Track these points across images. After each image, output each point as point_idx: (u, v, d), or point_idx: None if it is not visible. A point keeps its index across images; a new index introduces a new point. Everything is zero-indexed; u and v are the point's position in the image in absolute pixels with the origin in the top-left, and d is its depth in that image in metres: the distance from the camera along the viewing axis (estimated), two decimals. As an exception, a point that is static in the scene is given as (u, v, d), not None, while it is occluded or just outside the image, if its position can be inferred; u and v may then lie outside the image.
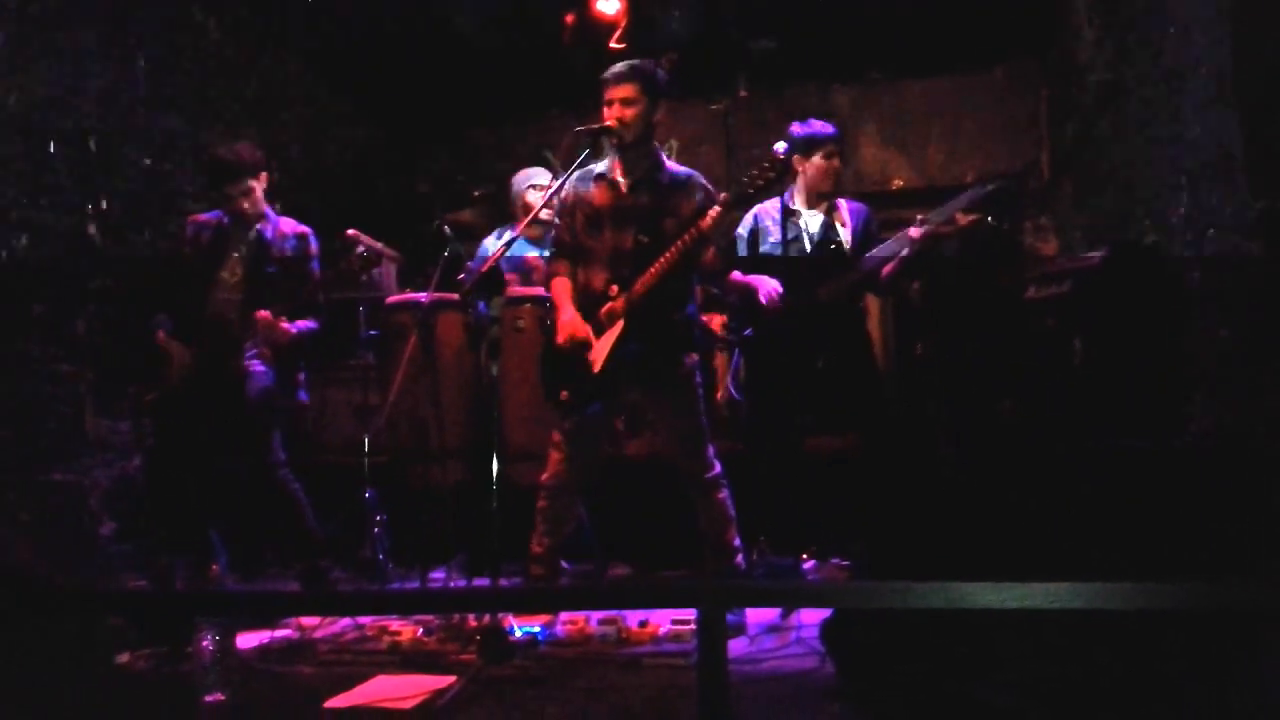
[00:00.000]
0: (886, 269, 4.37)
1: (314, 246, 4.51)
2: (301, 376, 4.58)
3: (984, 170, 6.73)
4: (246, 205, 4.38)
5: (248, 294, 4.33)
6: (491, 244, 5.25)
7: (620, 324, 3.77)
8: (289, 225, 4.51)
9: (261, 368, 4.33)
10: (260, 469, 4.28)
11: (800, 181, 4.52)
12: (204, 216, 4.53)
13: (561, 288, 3.94)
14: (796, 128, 4.49)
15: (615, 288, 3.81)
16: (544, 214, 4.54)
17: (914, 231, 4.28)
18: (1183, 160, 4.36)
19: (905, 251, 4.28)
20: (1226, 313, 3.97)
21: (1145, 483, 2.74)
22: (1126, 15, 5.10)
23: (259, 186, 4.42)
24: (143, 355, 4.43)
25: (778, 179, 3.66)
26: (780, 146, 4.25)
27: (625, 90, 3.81)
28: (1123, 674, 2.42)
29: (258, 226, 4.44)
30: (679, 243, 3.68)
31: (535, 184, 5.28)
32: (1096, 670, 2.44)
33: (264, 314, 4.16)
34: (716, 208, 3.66)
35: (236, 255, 4.42)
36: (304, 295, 4.32)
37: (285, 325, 4.22)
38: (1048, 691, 2.47)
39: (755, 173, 3.64)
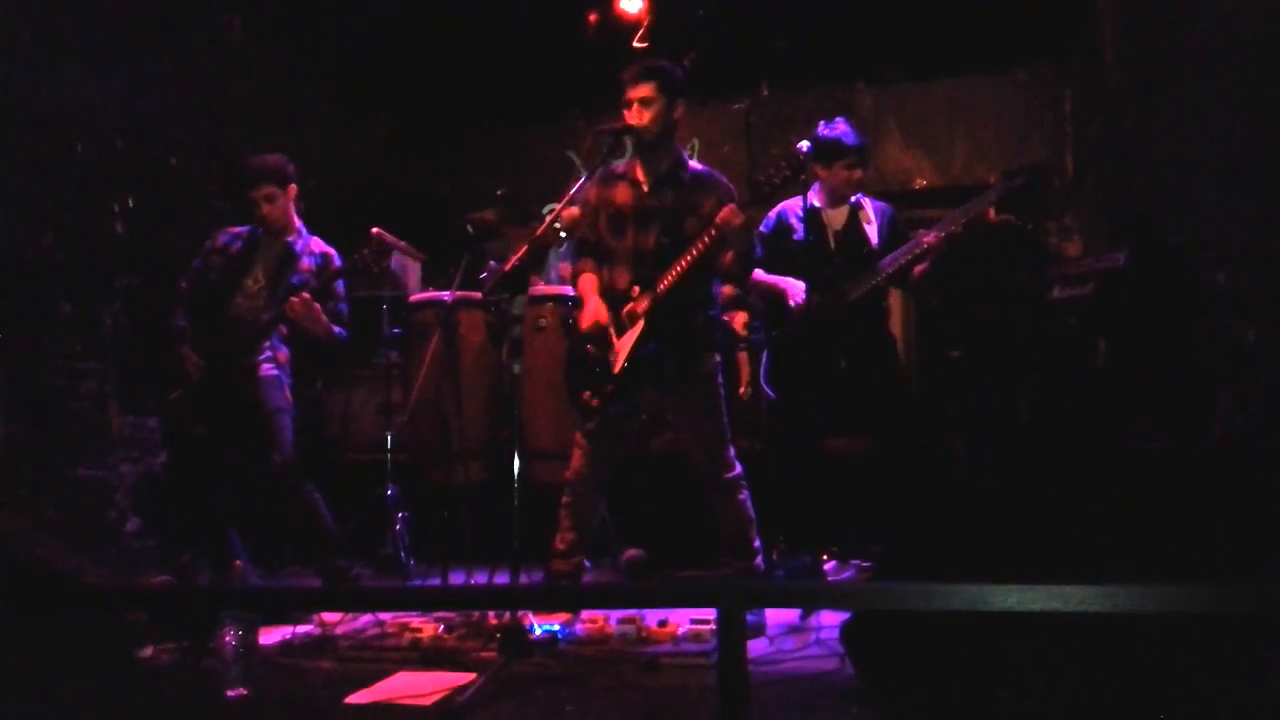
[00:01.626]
0: (918, 269, 4.36)
1: (337, 265, 4.48)
2: (318, 385, 4.61)
3: (1006, 169, 6.71)
4: (268, 210, 4.39)
5: (269, 298, 4.35)
6: None
7: (640, 324, 3.77)
8: (317, 244, 4.53)
9: (273, 370, 4.34)
10: (270, 470, 4.28)
11: (821, 184, 4.51)
12: (237, 229, 4.56)
13: (587, 282, 3.95)
14: (822, 130, 4.45)
15: (637, 288, 3.81)
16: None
17: (929, 238, 4.26)
18: (1208, 159, 4.32)
19: (934, 253, 4.25)
20: (1252, 314, 3.94)
21: (1168, 485, 2.73)
22: (1151, 13, 5.07)
23: (282, 196, 4.42)
24: (164, 355, 4.46)
25: (794, 177, 3.64)
26: (804, 145, 4.23)
27: (643, 90, 3.81)
28: (1145, 677, 2.40)
29: (288, 239, 4.46)
30: (699, 243, 3.67)
31: None
32: (1117, 673, 2.43)
33: (302, 296, 4.19)
34: (732, 205, 3.65)
35: (262, 265, 4.44)
36: (329, 309, 4.32)
37: (321, 314, 4.24)
38: (1068, 694, 2.45)
39: (772, 171, 3.63)
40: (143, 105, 5.35)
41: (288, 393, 4.36)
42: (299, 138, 6.58)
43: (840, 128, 4.46)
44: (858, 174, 4.49)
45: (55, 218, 4.84)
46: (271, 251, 4.46)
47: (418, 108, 7.77)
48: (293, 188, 4.46)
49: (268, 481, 4.30)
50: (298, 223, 4.51)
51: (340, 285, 4.50)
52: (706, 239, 3.65)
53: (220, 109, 5.96)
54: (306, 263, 4.45)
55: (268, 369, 4.34)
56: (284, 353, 4.40)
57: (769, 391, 4.63)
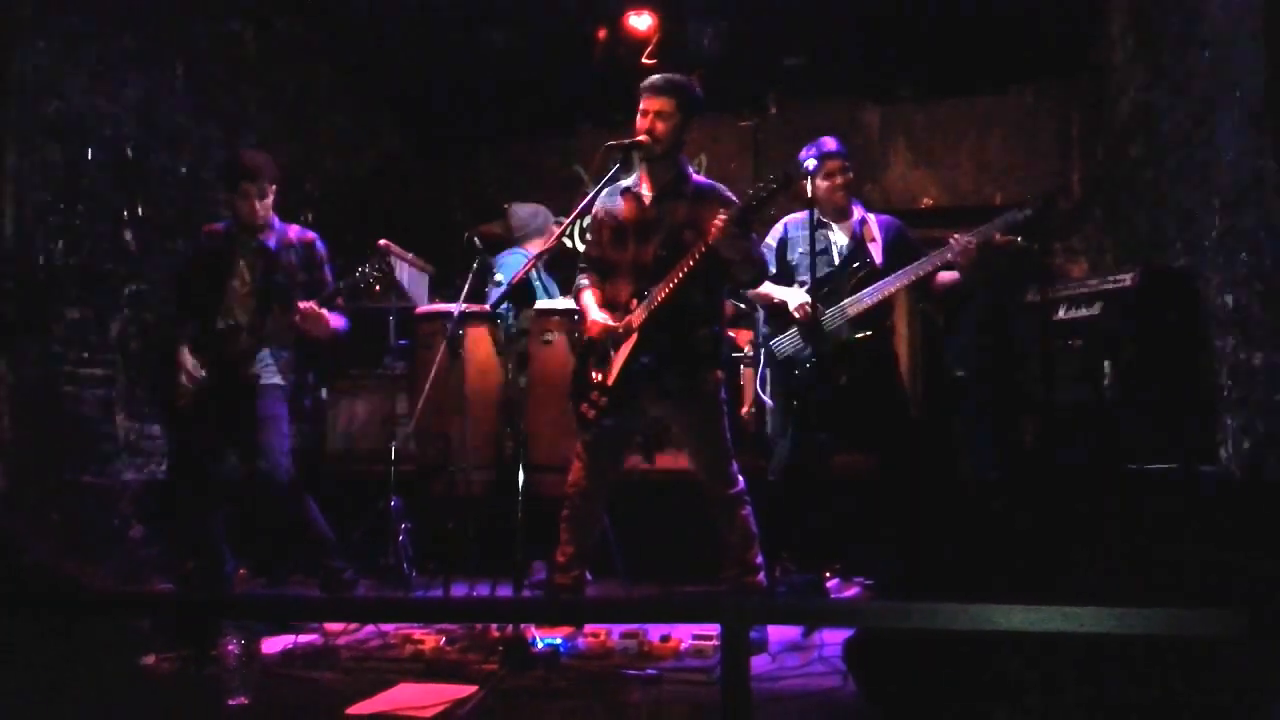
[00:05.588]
0: (944, 278, 4.36)
1: (321, 251, 4.46)
2: (310, 378, 4.55)
3: (1013, 191, 6.71)
4: (258, 207, 4.33)
5: (258, 302, 4.31)
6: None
7: (634, 337, 3.76)
8: (295, 233, 4.46)
9: (275, 378, 4.30)
10: (265, 477, 4.23)
11: (820, 200, 4.50)
12: (216, 226, 4.49)
13: (589, 296, 3.96)
14: (803, 150, 4.47)
15: (635, 301, 3.81)
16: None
17: (955, 244, 4.25)
18: (1215, 183, 4.33)
19: (962, 264, 4.25)
20: (1258, 337, 3.94)
21: (1173, 507, 2.73)
22: (1160, 37, 5.08)
23: (273, 194, 4.38)
24: (168, 362, 4.43)
25: (780, 190, 3.59)
26: (810, 165, 4.24)
27: (661, 103, 3.81)
28: (1145, 699, 2.40)
29: (260, 237, 4.37)
30: (691, 255, 3.67)
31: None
32: (1117, 694, 2.42)
33: (309, 305, 4.15)
34: (719, 219, 3.61)
35: (244, 264, 4.37)
36: (322, 300, 4.25)
37: (328, 315, 4.20)
38: (1068, 715, 2.45)
39: (760, 185, 3.62)
40: (154, 113, 5.38)
41: (286, 400, 4.32)
42: (310, 148, 6.63)
43: (823, 141, 4.46)
44: (838, 180, 4.46)
45: (66, 224, 4.86)
46: (250, 252, 4.38)
47: (427, 121, 7.80)
48: (275, 187, 4.41)
49: (260, 489, 4.29)
50: (272, 217, 4.42)
51: (328, 272, 4.44)
52: (698, 252, 3.64)
53: (231, 119, 5.99)
54: (288, 257, 4.39)
55: (269, 376, 4.30)
56: (285, 358, 4.36)
57: (766, 400, 4.63)
